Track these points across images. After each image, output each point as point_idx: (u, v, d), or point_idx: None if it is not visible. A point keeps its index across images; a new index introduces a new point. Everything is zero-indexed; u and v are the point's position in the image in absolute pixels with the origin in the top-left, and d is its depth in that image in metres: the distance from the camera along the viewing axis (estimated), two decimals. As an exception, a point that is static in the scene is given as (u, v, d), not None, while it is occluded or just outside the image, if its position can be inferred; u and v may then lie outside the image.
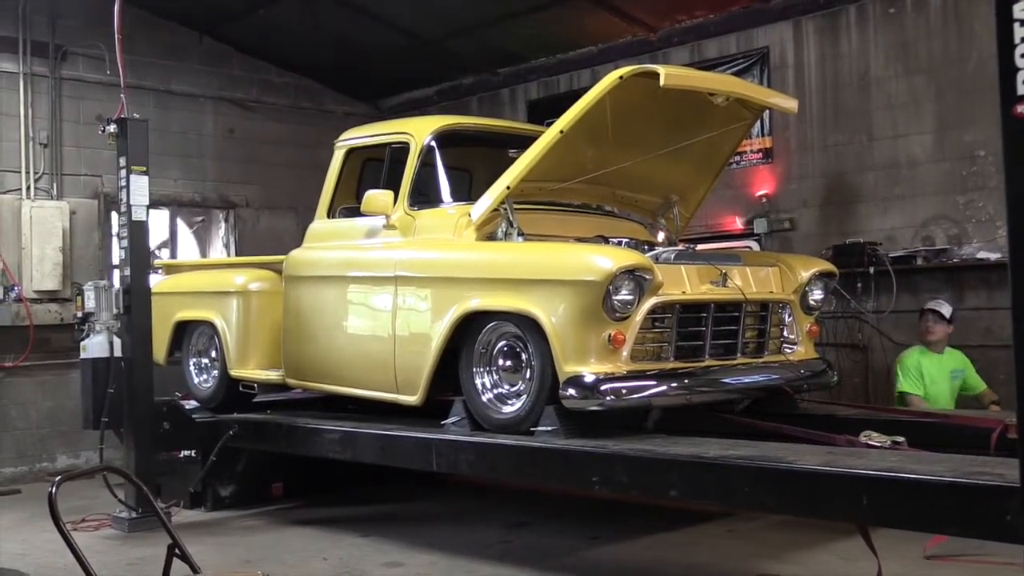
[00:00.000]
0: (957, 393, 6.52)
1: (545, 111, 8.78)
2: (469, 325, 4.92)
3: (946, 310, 6.60)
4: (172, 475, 6.45)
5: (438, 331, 4.98)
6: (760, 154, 8.28)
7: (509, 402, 4.81)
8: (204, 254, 9.47)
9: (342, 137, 6.13)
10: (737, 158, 8.12)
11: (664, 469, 3.98)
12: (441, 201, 5.44)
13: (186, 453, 6.52)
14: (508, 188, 4.99)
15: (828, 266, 5.51)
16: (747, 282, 5.03)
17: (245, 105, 9.65)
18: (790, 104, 5.50)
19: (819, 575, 4.52)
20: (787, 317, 5.29)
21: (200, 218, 9.53)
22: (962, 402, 6.50)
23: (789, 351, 5.26)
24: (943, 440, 4.41)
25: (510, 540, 5.43)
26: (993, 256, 6.93)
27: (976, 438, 4.34)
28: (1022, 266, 2.88)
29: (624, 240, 5.13)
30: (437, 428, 4.97)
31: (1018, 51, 2.82)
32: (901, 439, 4.17)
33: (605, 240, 5.13)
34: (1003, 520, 2.91)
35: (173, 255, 9.27)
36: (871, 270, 7.40)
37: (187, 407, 6.49)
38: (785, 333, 5.29)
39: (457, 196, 5.50)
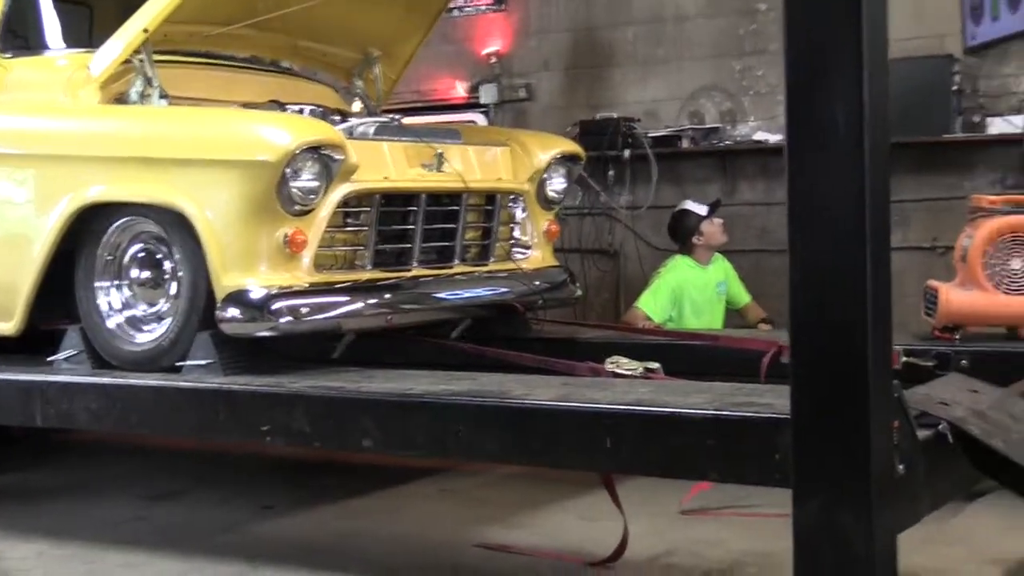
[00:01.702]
0: (724, 307, 6.98)
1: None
2: (90, 223, 4.73)
3: (702, 207, 6.98)
4: None
5: (43, 231, 4.76)
6: (490, -1, 8.38)
7: (147, 328, 4.69)
8: None
9: None
10: (459, 2, 8.17)
11: (357, 412, 4.00)
12: (47, 47, 5.19)
13: None
14: (146, 32, 4.78)
15: (573, 147, 5.69)
16: (469, 166, 5.11)
17: None
18: (526, -68, 5.58)
19: (554, 539, 4.73)
20: (520, 213, 5.43)
21: None
22: (728, 320, 6.96)
23: (521, 257, 5.42)
24: (707, 366, 4.68)
25: (150, 516, 5.34)
26: (773, 138, 7.40)
27: (745, 363, 4.61)
28: (799, 148, 3.07)
29: (307, 107, 5.07)
30: (43, 367, 4.78)
31: None
32: (655, 366, 4.39)
33: (281, 107, 5.05)
34: (771, 459, 3.12)
35: None
36: (626, 154, 7.76)
37: None
38: (517, 234, 5.44)
39: (72, 41, 5.25)
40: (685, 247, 6.99)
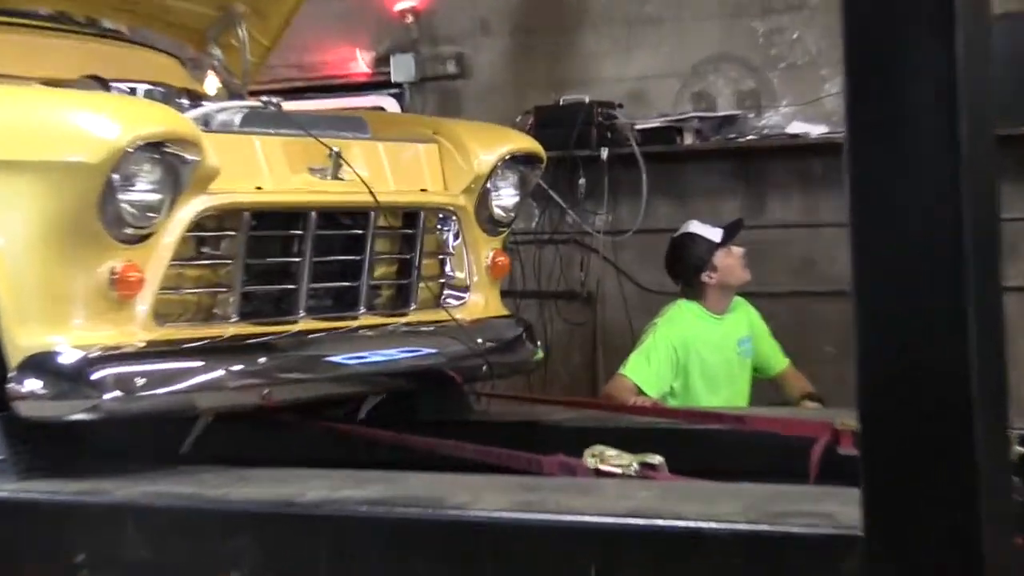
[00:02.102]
0: (751, 375, 6.95)
1: None
2: None
3: (715, 231, 6.95)
4: None
5: None
6: (403, -68, 8.41)
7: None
8: None
9: None
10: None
11: (221, 531, 3.97)
12: None
13: None
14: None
15: (528, 144, 5.70)
16: (379, 171, 5.11)
17: None
18: None
19: None
20: (452, 239, 5.44)
21: None
22: (757, 393, 6.95)
23: (456, 303, 5.42)
24: (730, 460, 4.69)
25: None
26: (816, 130, 7.42)
27: (786, 456, 4.62)
28: (864, 144, 3.05)
29: (141, 86, 5.05)
30: None
31: None
32: (657, 460, 4.37)
33: (103, 85, 5.01)
34: (834, 594, 3.09)
35: None
36: (604, 154, 7.75)
37: None
38: (448, 269, 5.45)
39: None
40: (691, 288, 6.97)
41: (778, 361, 7.06)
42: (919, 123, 2.94)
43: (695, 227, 7.01)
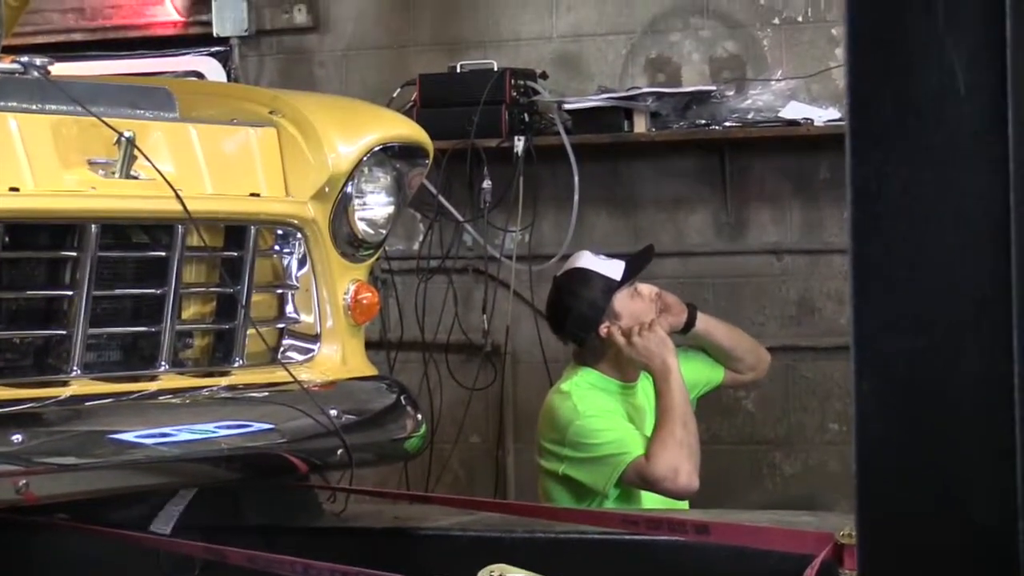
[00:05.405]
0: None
1: None
2: None
3: (615, 266, 6.95)
4: None
5: None
6: None
7: None
8: None
9: None
10: None
11: None
12: None
13: None
14: None
15: (407, 128, 5.77)
16: (190, 168, 5.14)
17: None
18: None
19: None
20: (296, 266, 5.47)
21: None
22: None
23: (301, 357, 5.47)
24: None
25: None
26: (823, 115, 7.47)
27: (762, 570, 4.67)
28: (870, 137, 3.06)
29: None
30: None
31: None
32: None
33: None
34: None
35: None
36: (519, 145, 7.77)
37: None
38: (291, 308, 5.49)
39: None
40: (586, 351, 6.90)
41: (715, 374, 7.05)
42: (948, 107, 2.94)
43: (586, 261, 6.94)
